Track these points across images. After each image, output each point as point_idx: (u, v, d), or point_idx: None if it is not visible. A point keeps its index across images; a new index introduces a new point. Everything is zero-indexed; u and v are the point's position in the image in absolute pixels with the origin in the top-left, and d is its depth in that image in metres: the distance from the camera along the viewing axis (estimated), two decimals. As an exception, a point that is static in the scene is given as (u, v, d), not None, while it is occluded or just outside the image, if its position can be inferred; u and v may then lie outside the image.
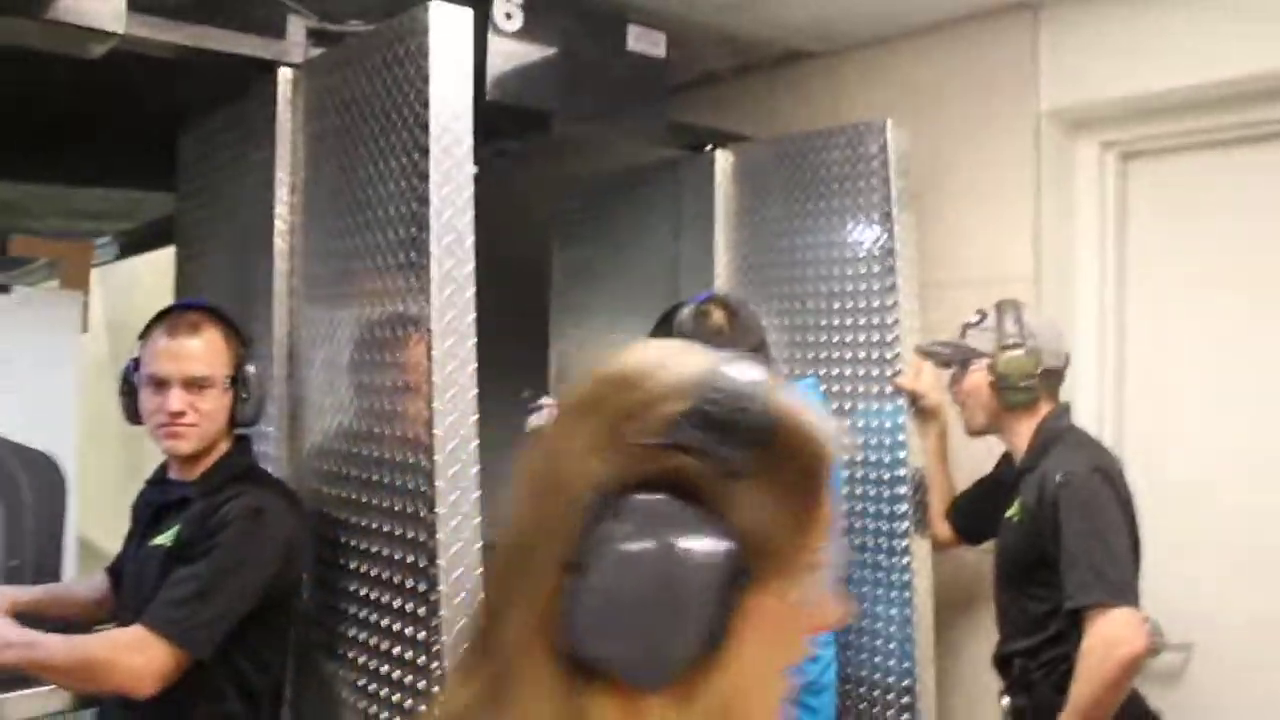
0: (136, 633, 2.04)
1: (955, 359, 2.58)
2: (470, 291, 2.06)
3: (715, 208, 3.21)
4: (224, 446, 2.28)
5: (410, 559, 2.07)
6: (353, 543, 2.25)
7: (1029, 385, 2.48)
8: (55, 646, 2.07)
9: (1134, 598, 2.23)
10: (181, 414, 2.18)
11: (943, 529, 2.82)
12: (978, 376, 2.52)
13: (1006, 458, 2.67)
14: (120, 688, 2.03)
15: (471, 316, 2.06)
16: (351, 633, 2.24)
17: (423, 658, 2.04)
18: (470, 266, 2.06)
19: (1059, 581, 2.31)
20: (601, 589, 0.72)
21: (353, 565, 2.25)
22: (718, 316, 2.67)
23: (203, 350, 2.21)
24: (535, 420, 2.90)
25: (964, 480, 2.86)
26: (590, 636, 0.73)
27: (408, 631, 2.08)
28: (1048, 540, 2.32)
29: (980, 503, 2.76)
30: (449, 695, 0.81)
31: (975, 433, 2.60)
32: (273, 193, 2.52)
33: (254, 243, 2.60)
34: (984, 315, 2.57)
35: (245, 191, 2.66)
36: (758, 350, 2.66)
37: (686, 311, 2.68)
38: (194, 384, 2.19)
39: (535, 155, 3.60)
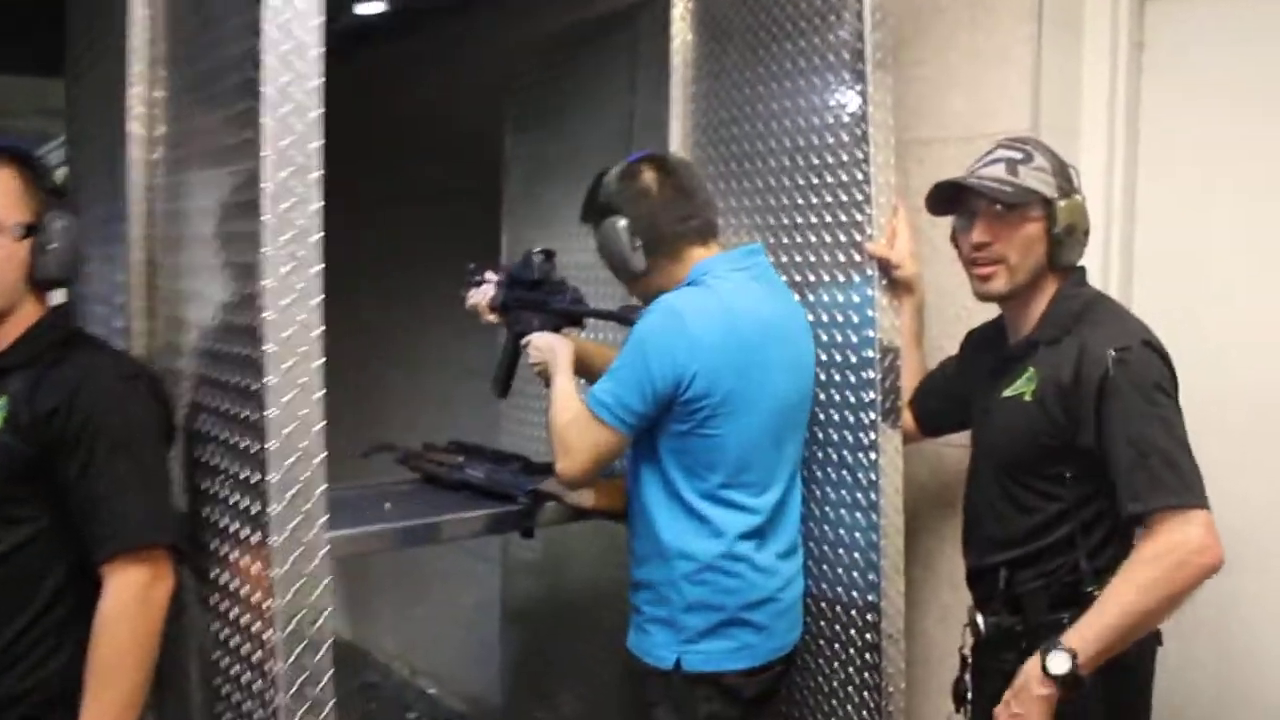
0: (127, 576, 1.77)
1: (1016, 200, 1.95)
2: (315, 114, 1.61)
3: (670, 58, 2.71)
4: (30, 310, 1.87)
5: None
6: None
7: (1084, 240, 2.00)
8: None
9: (1206, 499, 1.78)
10: None
11: (906, 418, 2.35)
12: (1035, 227, 1.96)
13: (983, 334, 2.21)
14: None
15: (316, 144, 1.62)
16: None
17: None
18: (316, 83, 1.62)
19: (1083, 475, 1.86)
20: None
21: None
22: (648, 177, 2.17)
23: None
24: (475, 295, 2.53)
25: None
26: None
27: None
28: (1081, 425, 1.85)
29: (946, 388, 2.29)
30: None
31: (1004, 296, 2.03)
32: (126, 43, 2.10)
33: (114, 110, 2.18)
34: (1027, 151, 1.99)
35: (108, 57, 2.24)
36: (691, 219, 2.18)
37: (613, 172, 2.21)
38: None
39: (484, 16, 3.16)
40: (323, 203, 1.61)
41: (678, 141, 2.70)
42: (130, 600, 1.77)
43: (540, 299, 2.40)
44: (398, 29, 4.26)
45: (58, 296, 2.02)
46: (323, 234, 1.61)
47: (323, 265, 1.61)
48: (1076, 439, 1.88)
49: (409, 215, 4.40)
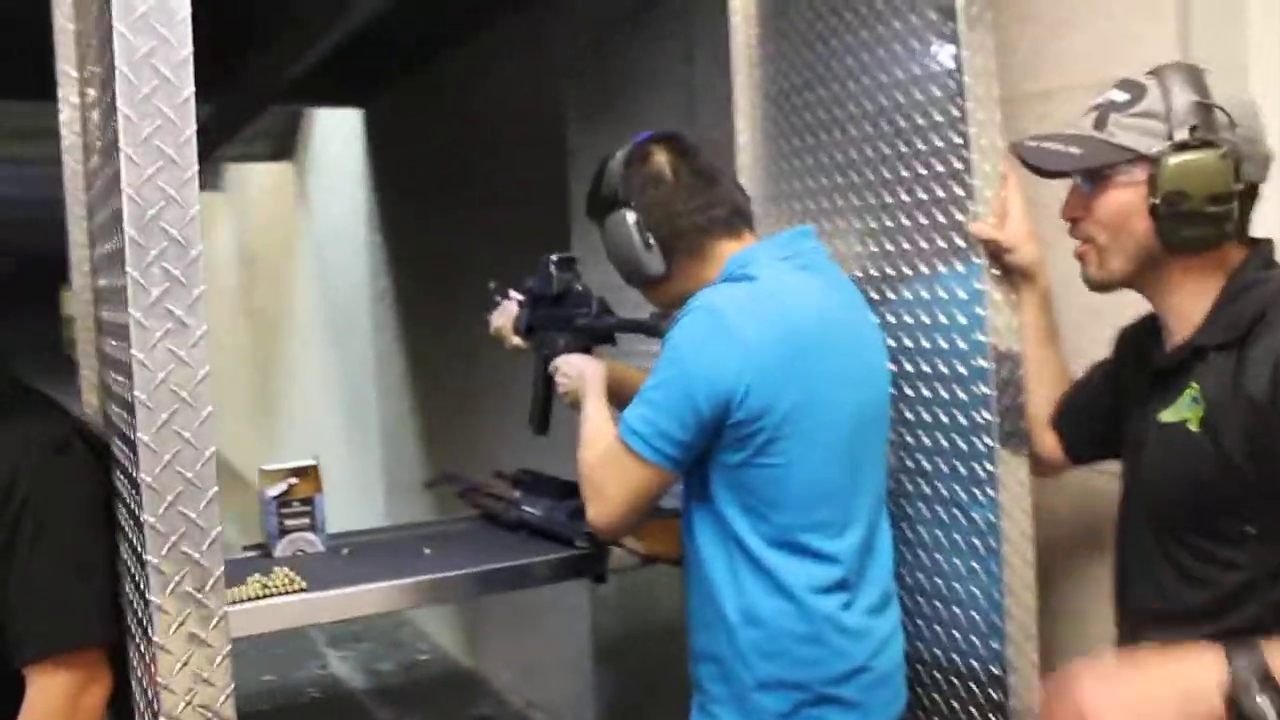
0: (52, 683, 1.46)
1: (1087, 165, 1.45)
2: (186, 93, 1.19)
3: (730, 18, 2.22)
4: None
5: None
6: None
7: (1218, 211, 1.37)
8: None
9: None
10: None
11: (1047, 441, 1.78)
12: (1127, 196, 1.42)
13: (1137, 333, 1.65)
14: None
15: (189, 132, 1.19)
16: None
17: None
18: (185, 53, 1.19)
19: (1276, 534, 1.30)
20: None
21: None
22: (660, 160, 1.73)
23: None
24: (496, 318, 2.16)
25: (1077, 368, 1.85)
26: None
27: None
28: (1275, 461, 1.29)
29: (1096, 402, 1.71)
30: None
31: (1103, 285, 1.51)
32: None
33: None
34: (1138, 91, 1.43)
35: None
36: (715, 206, 1.71)
37: (619, 156, 1.77)
38: None
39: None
40: (198, 209, 1.17)
41: (744, 115, 2.22)
42: (55, 711, 1.44)
43: (565, 315, 1.99)
44: (467, 31, 3.90)
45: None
46: (202, 250, 1.17)
47: (204, 288, 1.17)
48: (1266, 481, 1.30)
49: (487, 218, 4.03)
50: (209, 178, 10.55)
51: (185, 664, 1.17)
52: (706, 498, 1.66)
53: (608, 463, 1.67)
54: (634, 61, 2.57)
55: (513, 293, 2.15)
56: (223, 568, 1.20)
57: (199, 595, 1.18)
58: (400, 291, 5.70)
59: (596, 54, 2.75)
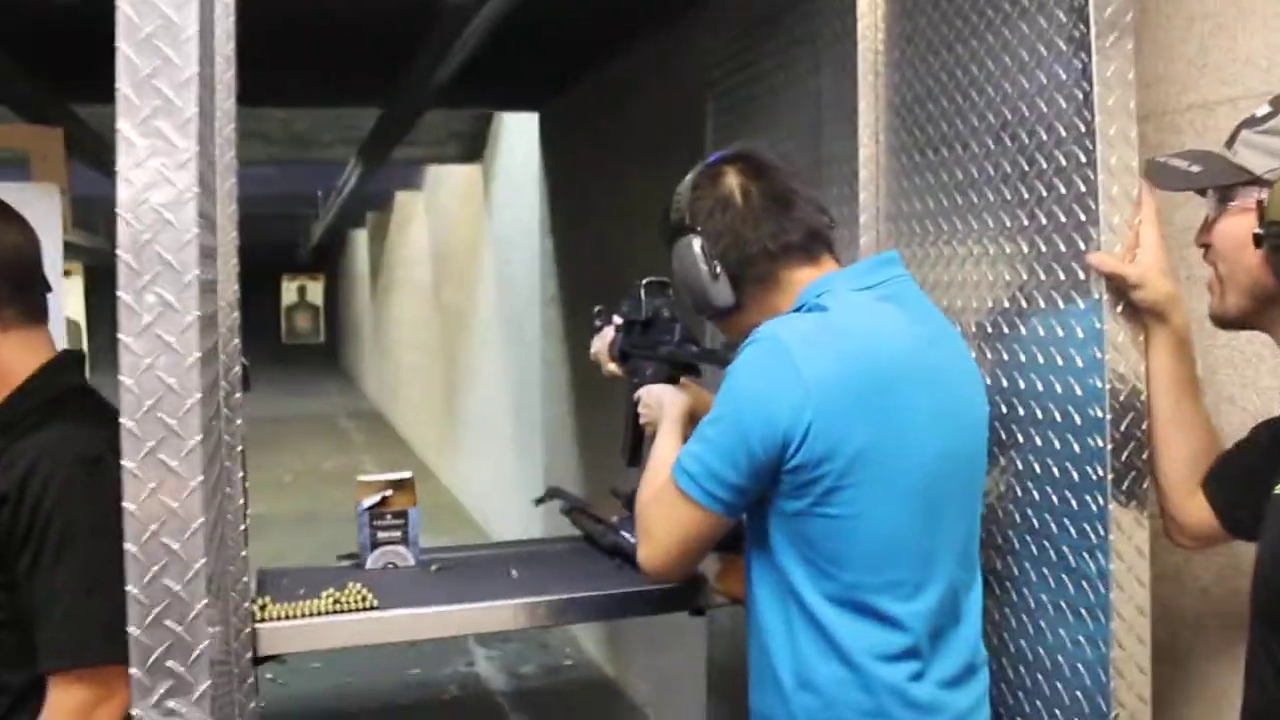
0: (67, 695, 1.46)
1: (1200, 184, 1.31)
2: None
3: (857, 22, 2.05)
4: (31, 354, 1.56)
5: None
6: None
7: None
8: None
9: None
10: None
11: (1193, 509, 1.54)
12: (1242, 222, 1.25)
13: None
14: None
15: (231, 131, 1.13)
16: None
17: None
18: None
19: None
20: None
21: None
22: (730, 181, 1.58)
23: None
24: (595, 343, 2.10)
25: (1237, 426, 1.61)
26: None
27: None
28: None
29: (1255, 466, 1.45)
30: None
31: (1222, 322, 1.34)
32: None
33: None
34: (1277, 108, 1.27)
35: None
36: (788, 232, 1.54)
37: (688, 178, 1.63)
38: None
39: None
40: (196, 233, 1.11)
41: (867, 127, 2.05)
42: None
43: (651, 342, 1.90)
44: (631, 37, 3.83)
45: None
46: (198, 276, 1.12)
47: (198, 314, 1.12)
48: None
49: (643, 228, 3.95)
50: (411, 177, 10.91)
51: (159, 700, 1.12)
52: (765, 546, 1.51)
53: (660, 501, 1.54)
54: (767, 70, 2.42)
55: (615, 317, 2.07)
56: (205, 601, 1.14)
57: (179, 629, 1.13)
58: (566, 297, 5.70)
59: (733, 63, 2.61)
